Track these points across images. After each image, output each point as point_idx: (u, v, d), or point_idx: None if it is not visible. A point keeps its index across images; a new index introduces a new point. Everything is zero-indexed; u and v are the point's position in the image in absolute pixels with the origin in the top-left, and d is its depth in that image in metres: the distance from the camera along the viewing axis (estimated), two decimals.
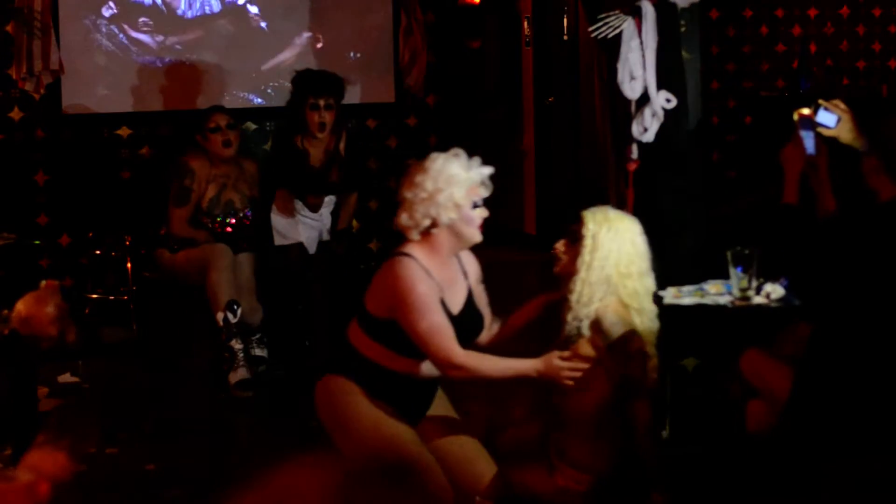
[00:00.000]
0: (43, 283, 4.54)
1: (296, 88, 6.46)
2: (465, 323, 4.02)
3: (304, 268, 6.47)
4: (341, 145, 6.56)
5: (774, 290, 4.45)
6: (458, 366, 3.85)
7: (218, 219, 6.38)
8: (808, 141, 3.79)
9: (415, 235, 3.96)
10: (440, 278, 3.97)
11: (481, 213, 3.99)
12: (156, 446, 5.25)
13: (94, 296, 6.71)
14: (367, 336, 3.98)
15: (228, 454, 5.04)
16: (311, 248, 6.57)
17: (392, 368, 3.96)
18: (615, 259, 3.93)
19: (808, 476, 3.61)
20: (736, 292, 4.46)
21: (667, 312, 4.58)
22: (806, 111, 3.85)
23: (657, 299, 4.61)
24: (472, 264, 4.17)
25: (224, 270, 6.11)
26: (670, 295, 4.64)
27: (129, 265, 6.72)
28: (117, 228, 6.84)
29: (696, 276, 4.79)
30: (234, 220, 6.40)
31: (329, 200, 6.65)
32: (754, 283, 4.45)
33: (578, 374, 3.88)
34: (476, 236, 4.01)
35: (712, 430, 4.71)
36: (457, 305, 4.02)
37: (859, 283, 3.56)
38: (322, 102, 6.35)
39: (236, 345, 5.99)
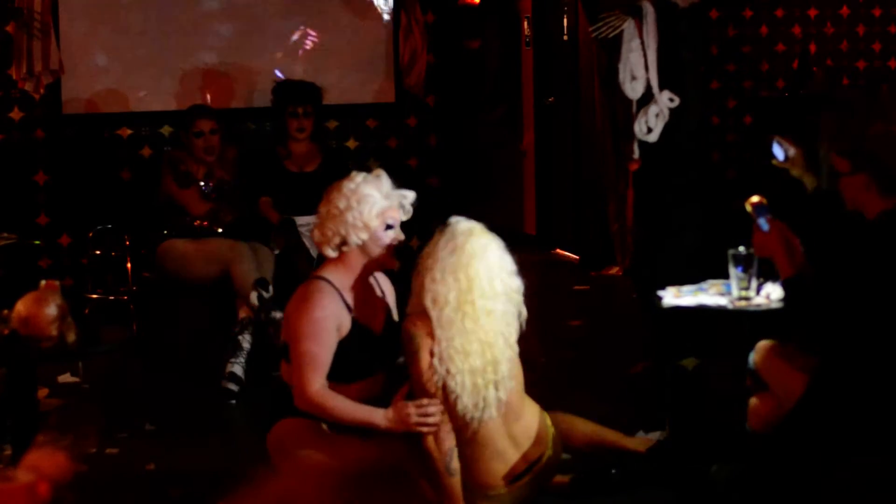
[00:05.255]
0: (43, 283, 4.54)
1: (276, 98, 6.69)
2: (388, 342, 4.06)
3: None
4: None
5: (774, 290, 4.45)
6: (309, 398, 3.87)
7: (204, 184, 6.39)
8: (764, 225, 3.90)
9: (328, 252, 3.99)
10: (354, 298, 4.00)
11: (394, 235, 3.99)
12: (156, 446, 5.25)
13: (94, 296, 6.70)
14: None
15: (229, 454, 5.03)
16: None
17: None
18: (432, 267, 3.86)
19: (809, 476, 3.61)
20: (736, 292, 4.46)
21: (667, 312, 4.59)
22: (755, 199, 3.97)
23: (657, 299, 4.62)
24: (387, 285, 4.21)
25: (249, 261, 6.06)
26: (670, 295, 4.63)
27: (129, 265, 6.71)
28: (117, 228, 6.82)
29: (696, 276, 4.78)
30: (211, 184, 6.38)
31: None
32: (754, 283, 4.44)
33: (434, 418, 3.81)
34: (388, 261, 4.02)
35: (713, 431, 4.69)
36: (378, 324, 4.07)
37: (862, 306, 3.54)
38: (301, 110, 6.59)
39: (244, 343, 5.94)
